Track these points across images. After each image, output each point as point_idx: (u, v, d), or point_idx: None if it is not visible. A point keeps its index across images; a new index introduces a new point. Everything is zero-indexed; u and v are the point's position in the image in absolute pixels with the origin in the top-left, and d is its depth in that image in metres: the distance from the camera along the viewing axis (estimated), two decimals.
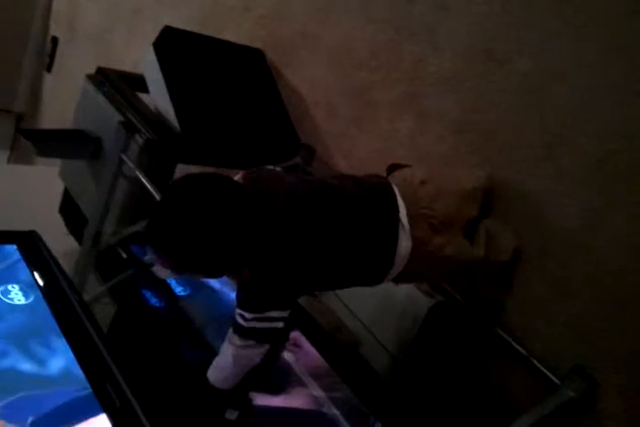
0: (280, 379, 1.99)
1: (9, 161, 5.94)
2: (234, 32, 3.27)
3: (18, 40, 5.77)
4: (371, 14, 2.63)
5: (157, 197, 2.25)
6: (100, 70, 2.95)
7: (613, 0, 1.88)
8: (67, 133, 2.92)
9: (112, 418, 1.50)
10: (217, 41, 2.97)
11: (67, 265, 2.24)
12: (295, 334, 2.07)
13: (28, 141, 2.78)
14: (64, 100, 4.89)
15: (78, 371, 1.63)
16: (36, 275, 1.94)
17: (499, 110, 2.15)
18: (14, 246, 2.02)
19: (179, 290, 2.31)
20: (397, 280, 1.81)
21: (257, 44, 3.10)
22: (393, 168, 1.99)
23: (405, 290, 2.08)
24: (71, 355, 1.67)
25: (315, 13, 2.91)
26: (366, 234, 1.64)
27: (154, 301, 2.24)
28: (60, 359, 1.67)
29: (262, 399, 1.86)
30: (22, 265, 1.96)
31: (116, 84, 2.83)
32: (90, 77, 2.88)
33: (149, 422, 1.49)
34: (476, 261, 1.86)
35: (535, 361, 1.96)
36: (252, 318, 1.51)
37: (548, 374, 1.91)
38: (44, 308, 1.83)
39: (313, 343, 2.10)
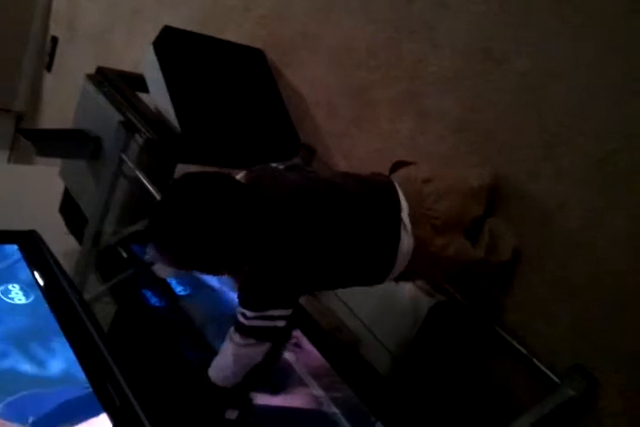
0: (280, 379, 1.99)
1: (9, 161, 5.94)
2: (234, 32, 3.27)
3: (18, 40, 5.77)
4: (371, 14, 2.63)
5: (157, 196, 2.25)
6: (99, 70, 2.95)
7: None
8: (67, 133, 2.92)
9: (112, 418, 1.50)
10: (217, 41, 2.97)
11: (67, 265, 2.24)
12: (296, 334, 2.08)
13: (27, 141, 2.78)
14: (64, 99, 4.89)
15: (79, 370, 1.63)
16: (37, 274, 1.94)
17: (497, 110, 2.15)
18: (15, 246, 2.02)
19: (179, 290, 2.31)
20: (398, 279, 1.81)
21: (257, 44, 3.10)
22: (397, 166, 1.98)
23: (406, 290, 2.08)
24: (72, 355, 1.67)
25: (315, 13, 2.92)
26: (368, 233, 1.64)
27: (154, 300, 2.24)
28: (61, 359, 1.67)
29: (263, 399, 1.86)
30: (22, 265, 1.97)
31: (116, 84, 2.83)
32: (90, 77, 2.88)
33: (150, 421, 1.50)
34: (476, 261, 1.87)
35: (536, 360, 1.96)
36: (253, 317, 1.51)
37: (549, 373, 1.91)
38: (44, 307, 1.83)
39: (313, 343, 2.10)
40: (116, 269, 2.61)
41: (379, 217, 1.66)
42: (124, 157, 2.52)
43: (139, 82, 2.81)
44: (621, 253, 1.84)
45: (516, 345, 2.01)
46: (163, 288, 2.28)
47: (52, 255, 2.03)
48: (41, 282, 1.92)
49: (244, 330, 1.52)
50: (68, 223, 3.18)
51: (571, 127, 1.94)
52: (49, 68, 5.67)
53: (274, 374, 1.79)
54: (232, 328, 1.55)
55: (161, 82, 2.56)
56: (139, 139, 2.49)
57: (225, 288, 2.35)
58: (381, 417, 1.88)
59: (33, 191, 3.56)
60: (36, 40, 5.82)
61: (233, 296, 2.29)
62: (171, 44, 2.67)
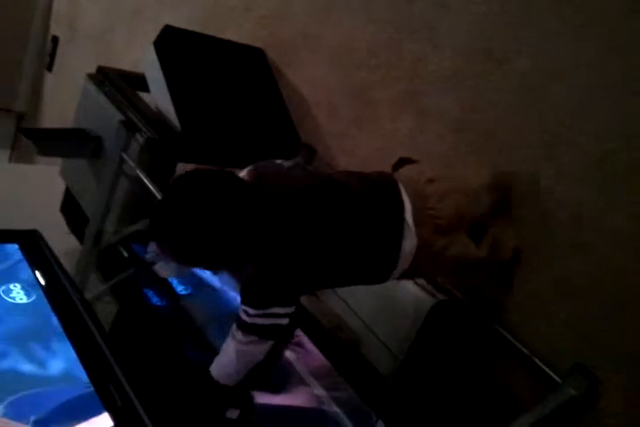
0: (282, 378, 1.99)
1: (10, 160, 5.94)
2: (235, 32, 3.27)
3: (18, 40, 5.77)
4: (372, 14, 2.63)
5: (158, 196, 2.25)
6: (100, 69, 2.95)
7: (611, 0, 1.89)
8: (67, 132, 2.93)
9: (114, 417, 1.50)
10: (218, 40, 2.97)
11: (68, 264, 2.25)
12: (297, 333, 2.08)
13: (28, 140, 2.78)
14: (65, 99, 4.89)
15: (80, 370, 1.63)
16: (38, 274, 1.95)
17: (497, 110, 2.15)
18: (16, 245, 2.03)
19: (180, 289, 2.32)
20: (400, 277, 1.80)
21: (258, 44, 3.10)
22: (401, 163, 1.97)
23: (407, 289, 2.08)
24: (73, 354, 1.68)
25: (316, 13, 2.92)
26: (371, 231, 1.63)
27: (155, 300, 2.25)
28: (62, 359, 1.68)
29: (264, 398, 1.86)
30: (24, 264, 1.97)
31: (117, 84, 2.83)
32: (90, 77, 2.89)
33: (151, 420, 1.50)
34: (479, 260, 1.87)
35: (537, 360, 1.96)
36: (255, 314, 1.50)
37: (550, 372, 1.91)
38: (45, 307, 1.83)
39: (314, 342, 2.10)
40: (118, 268, 2.61)
41: (382, 216, 1.65)
42: (124, 156, 2.53)
43: (139, 81, 2.81)
44: (621, 253, 1.84)
45: (517, 345, 2.01)
46: (164, 288, 2.28)
47: (53, 255, 2.03)
48: (42, 281, 1.92)
49: (245, 328, 1.52)
50: (69, 223, 3.19)
51: (571, 127, 1.94)
52: (50, 68, 5.67)
53: (275, 374, 1.79)
54: (234, 326, 1.55)
55: (162, 81, 2.56)
56: (139, 138, 2.50)
57: (226, 288, 2.36)
58: (383, 416, 1.88)
59: (34, 191, 3.57)
60: (37, 40, 5.82)
61: (234, 296, 2.29)
62: (171, 44, 2.67)
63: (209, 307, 2.32)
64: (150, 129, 2.51)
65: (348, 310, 2.26)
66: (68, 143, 2.85)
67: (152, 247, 2.45)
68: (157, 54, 2.60)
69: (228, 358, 1.56)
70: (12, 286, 1.87)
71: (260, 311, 1.50)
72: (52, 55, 5.59)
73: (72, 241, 3.05)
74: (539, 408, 1.80)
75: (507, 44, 2.14)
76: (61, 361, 1.67)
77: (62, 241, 2.72)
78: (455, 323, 2.15)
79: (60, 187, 3.22)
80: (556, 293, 1.98)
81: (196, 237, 1.44)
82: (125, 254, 2.56)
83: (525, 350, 1.99)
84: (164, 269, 2.25)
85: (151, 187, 2.34)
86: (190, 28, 2.92)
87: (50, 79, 5.75)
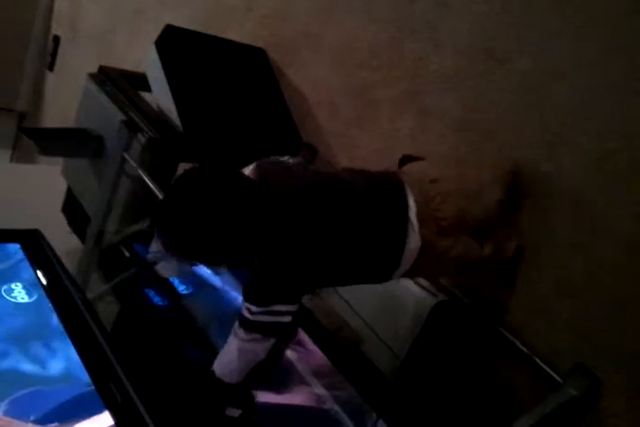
0: (283, 377, 1.99)
1: (11, 160, 5.94)
2: (236, 32, 3.27)
3: (20, 39, 5.77)
4: (373, 14, 2.63)
5: (160, 195, 2.25)
6: (102, 69, 2.96)
7: None
8: (69, 132, 2.93)
9: (115, 416, 1.51)
10: (219, 40, 2.97)
11: (70, 264, 2.25)
12: (298, 333, 2.08)
13: (30, 140, 2.79)
14: (66, 98, 4.89)
15: (81, 370, 1.64)
16: (40, 273, 1.95)
17: (499, 109, 2.15)
18: (17, 245, 2.03)
19: (181, 289, 2.32)
20: (403, 276, 1.80)
21: (259, 44, 3.10)
22: (405, 160, 1.96)
23: (408, 289, 2.08)
24: (74, 354, 1.68)
25: (317, 13, 2.92)
26: (375, 230, 1.63)
27: (157, 299, 2.25)
28: (64, 358, 1.68)
29: (265, 397, 1.86)
30: (25, 264, 1.97)
31: (119, 83, 2.83)
32: (92, 76, 2.89)
33: (152, 420, 1.50)
34: (482, 260, 1.87)
35: (537, 360, 1.96)
36: (258, 312, 1.50)
37: (551, 372, 1.91)
38: (47, 306, 1.84)
39: (316, 342, 2.10)
40: (119, 268, 2.62)
41: (386, 215, 1.65)
42: (126, 155, 2.53)
43: (141, 81, 2.82)
44: (621, 253, 1.84)
45: (518, 344, 2.01)
46: (165, 287, 2.29)
47: (54, 254, 2.03)
48: (44, 281, 1.93)
49: (248, 325, 1.52)
50: (70, 222, 3.19)
51: (573, 127, 1.94)
52: (51, 67, 5.67)
53: (276, 373, 1.79)
54: (236, 324, 1.55)
55: (163, 81, 2.56)
56: (141, 138, 2.50)
57: (227, 288, 2.36)
58: (384, 415, 1.88)
59: (35, 190, 3.57)
60: (38, 40, 5.82)
61: (235, 295, 2.29)
62: (173, 44, 2.68)
63: (210, 307, 2.33)
64: (152, 129, 2.51)
65: (349, 310, 2.26)
66: (70, 143, 2.86)
67: (154, 247, 2.46)
68: (159, 54, 2.60)
69: (231, 356, 1.55)
70: (13, 286, 1.87)
71: (263, 309, 1.50)
72: (54, 55, 5.59)
73: (73, 241, 3.05)
74: (539, 408, 1.80)
75: (508, 43, 2.14)
76: (62, 361, 1.67)
77: (64, 241, 2.72)
78: (456, 323, 2.15)
79: (61, 186, 3.23)
80: (556, 293, 1.98)
81: (199, 231, 1.44)
82: (127, 254, 2.56)
83: (526, 350, 1.99)
84: (166, 268, 2.25)
85: (153, 186, 2.34)
86: (192, 27, 2.92)
87: (51, 79, 5.75)
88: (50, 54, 5.63)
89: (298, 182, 1.61)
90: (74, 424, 1.49)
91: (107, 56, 4.62)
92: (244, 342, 1.52)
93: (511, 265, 2.04)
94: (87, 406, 1.53)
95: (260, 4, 3.24)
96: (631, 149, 1.81)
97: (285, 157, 1.76)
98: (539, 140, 2.02)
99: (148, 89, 2.76)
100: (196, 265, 2.24)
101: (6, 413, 1.46)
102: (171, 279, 2.32)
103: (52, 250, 2.05)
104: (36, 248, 2.04)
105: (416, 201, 1.67)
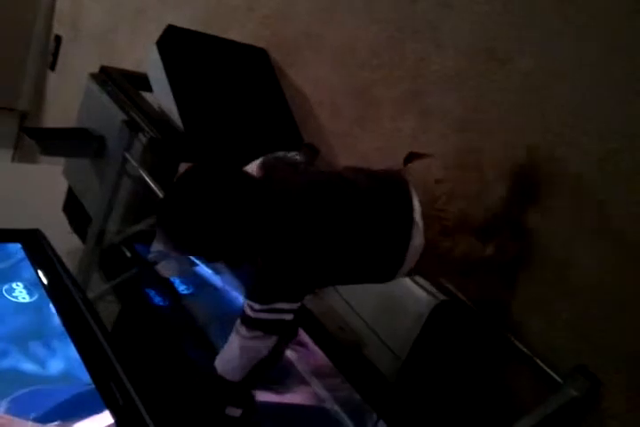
0: (284, 377, 1.99)
1: (13, 159, 5.94)
2: (238, 32, 3.27)
3: (21, 39, 5.77)
4: (374, 14, 2.63)
5: (161, 195, 2.25)
6: (103, 69, 2.96)
7: None
8: (70, 132, 2.93)
9: (115, 415, 1.51)
10: (221, 40, 2.97)
11: (70, 264, 2.25)
12: (299, 333, 2.08)
13: (31, 140, 2.79)
14: (68, 98, 4.90)
15: (81, 369, 1.64)
16: (40, 273, 1.95)
17: (500, 110, 2.15)
18: (18, 245, 2.03)
19: (182, 289, 2.32)
20: (406, 275, 1.81)
21: (261, 44, 3.11)
22: (412, 157, 1.96)
23: (409, 289, 2.08)
24: (75, 354, 1.68)
25: (319, 13, 2.92)
26: (378, 230, 1.63)
27: (157, 299, 2.25)
28: (64, 358, 1.68)
29: (266, 397, 1.86)
30: (26, 263, 1.97)
31: (120, 83, 2.83)
32: (93, 76, 2.89)
33: (152, 419, 1.50)
34: (484, 260, 1.87)
35: (538, 360, 1.96)
36: (260, 309, 1.50)
37: (551, 373, 1.91)
38: (48, 306, 1.84)
39: (316, 342, 2.10)
40: (120, 268, 2.61)
41: (391, 215, 1.65)
42: (127, 155, 2.53)
43: (142, 81, 2.82)
44: (621, 253, 1.84)
45: (518, 345, 2.01)
46: (166, 287, 2.29)
47: (55, 254, 2.03)
48: (45, 281, 1.93)
49: (250, 323, 1.51)
50: (71, 222, 3.19)
51: (574, 127, 1.94)
52: (52, 67, 5.67)
53: (277, 373, 1.79)
54: (238, 321, 1.54)
55: (164, 81, 2.56)
56: (142, 138, 2.50)
57: (228, 288, 2.36)
58: (384, 416, 1.88)
59: (37, 190, 3.57)
60: (40, 40, 5.82)
61: (236, 295, 2.29)
62: (174, 44, 2.68)
63: (211, 307, 2.33)
64: (153, 129, 2.51)
65: (349, 311, 2.26)
66: (71, 143, 2.86)
67: (155, 247, 2.46)
68: (160, 54, 2.60)
69: (232, 353, 1.55)
70: (14, 285, 1.87)
71: (266, 306, 1.50)
72: (55, 55, 5.59)
73: (74, 241, 3.05)
74: (540, 409, 1.80)
75: (509, 43, 2.14)
76: (63, 361, 1.67)
77: (65, 240, 2.73)
78: (457, 323, 2.15)
79: (62, 186, 3.23)
80: (556, 292, 1.98)
81: (197, 226, 1.45)
82: (128, 254, 2.56)
83: (526, 351, 1.99)
84: (167, 268, 2.25)
85: (154, 186, 2.34)
86: (193, 27, 2.92)
87: (53, 79, 5.76)
88: (51, 54, 5.63)
89: (302, 179, 1.62)
90: (74, 423, 1.49)
91: (108, 56, 4.62)
92: (246, 340, 1.52)
93: (512, 265, 2.04)
94: (87, 404, 1.53)
95: (262, 5, 3.24)
96: (632, 149, 1.81)
97: (292, 153, 1.76)
98: (540, 140, 2.02)
99: (150, 89, 2.76)
100: (195, 262, 2.24)
101: (7, 411, 1.46)
102: (171, 279, 2.32)
103: (53, 250, 2.05)
104: (37, 248, 2.04)
105: (421, 202, 1.67)
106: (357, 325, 2.25)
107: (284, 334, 1.56)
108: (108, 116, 2.68)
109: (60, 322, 1.78)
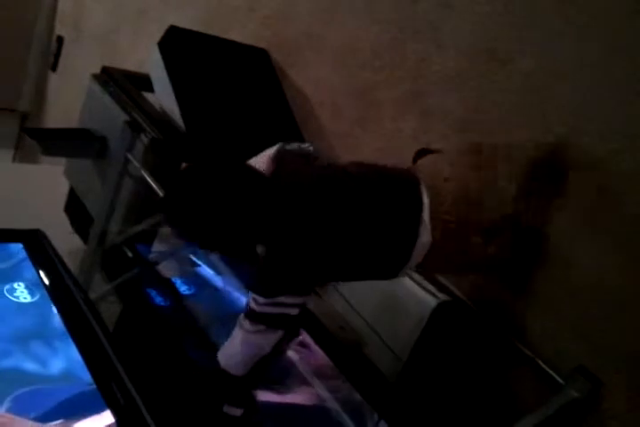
0: (285, 377, 1.99)
1: (14, 160, 5.95)
2: (239, 32, 3.28)
3: (23, 40, 5.78)
4: (375, 14, 2.63)
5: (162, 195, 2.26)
6: (105, 70, 2.96)
7: (615, 0, 1.89)
8: (72, 132, 2.94)
9: (116, 415, 1.51)
10: (222, 41, 2.97)
11: (72, 264, 2.25)
12: (300, 333, 2.08)
13: (33, 140, 2.79)
14: (69, 99, 4.90)
15: (82, 369, 1.64)
16: (42, 273, 1.95)
17: (501, 110, 2.15)
18: (20, 245, 2.03)
19: (183, 289, 2.32)
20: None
21: (262, 45, 3.11)
22: (422, 153, 1.95)
23: (410, 290, 2.08)
24: (76, 353, 1.68)
25: (320, 14, 2.92)
26: (386, 226, 1.62)
27: (159, 299, 2.25)
28: (65, 358, 1.68)
29: (267, 397, 1.86)
30: (28, 263, 1.98)
31: (122, 84, 2.84)
32: (95, 77, 2.90)
33: (153, 419, 1.50)
34: (486, 260, 1.87)
35: (539, 361, 1.96)
36: (264, 303, 1.50)
37: (553, 374, 1.91)
38: (49, 306, 1.84)
39: (317, 342, 2.10)
40: (122, 268, 2.62)
41: (400, 212, 1.65)
42: (129, 156, 2.54)
43: (144, 82, 2.82)
44: (621, 253, 1.84)
45: (519, 345, 2.01)
46: (167, 288, 2.29)
47: (57, 254, 2.04)
48: (46, 281, 1.93)
49: (253, 317, 1.51)
50: (73, 222, 3.19)
51: (575, 127, 1.94)
52: (54, 68, 5.67)
53: (278, 373, 1.79)
54: (242, 315, 1.54)
55: (166, 81, 2.57)
56: (144, 138, 2.51)
57: (229, 288, 2.36)
58: (385, 416, 1.88)
59: (38, 190, 3.57)
60: (42, 40, 5.83)
61: (237, 296, 2.30)
62: (176, 44, 2.68)
63: (212, 307, 2.33)
64: (155, 129, 2.52)
65: (350, 311, 2.26)
66: (73, 143, 2.86)
67: (156, 247, 2.47)
68: (162, 55, 2.61)
69: (235, 348, 1.55)
70: (15, 286, 1.87)
71: (270, 300, 1.50)
72: (57, 55, 5.60)
73: (76, 241, 3.05)
74: (541, 410, 1.80)
75: (510, 44, 2.14)
76: (64, 360, 1.68)
77: (66, 241, 2.73)
78: (457, 324, 2.15)
79: (64, 187, 3.23)
80: (556, 292, 1.98)
81: (200, 216, 1.47)
82: (130, 254, 2.57)
83: (527, 351, 1.99)
84: (168, 269, 2.26)
85: (155, 187, 2.35)
86: (194, 28, 2.92)
87: (54, 79, 5.76)
88: (53, 55, 5.64)
89: (313, 172, 1.63)
90: (75, 422, 1.49)
91: (110, 56, 4.62)
92: (249, 334, 1.52)
93: (513, 265, 2.04)
94: (88, 404, 1.53)
95: (263, 5, 3.24)
96: (633, 149, 1.81)
97: (306, 144, 1.77)
98: (541, 140, 2.02)
99: (152, 89, 2.77)
100: (196, 263, 2.24)
101: (8, 410, 1.46)
102: (173, 280, 2.33)
103: (55, 250, 2.05)
104: (39, 248, 2.04)
105: (430, 201, 1.67)
106: (358, 325, 2.25)
107: (288, 329, 1.56)
108: (110, 117, 2.69)
109: (62, 322, 1.78)
